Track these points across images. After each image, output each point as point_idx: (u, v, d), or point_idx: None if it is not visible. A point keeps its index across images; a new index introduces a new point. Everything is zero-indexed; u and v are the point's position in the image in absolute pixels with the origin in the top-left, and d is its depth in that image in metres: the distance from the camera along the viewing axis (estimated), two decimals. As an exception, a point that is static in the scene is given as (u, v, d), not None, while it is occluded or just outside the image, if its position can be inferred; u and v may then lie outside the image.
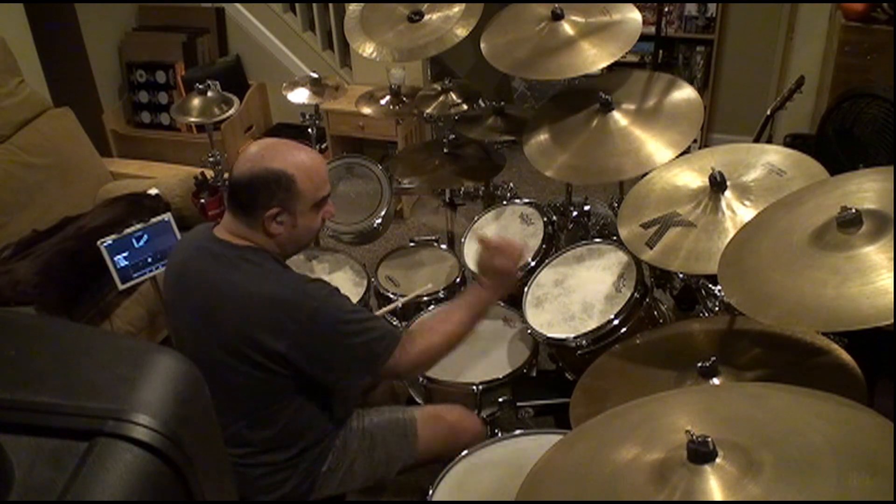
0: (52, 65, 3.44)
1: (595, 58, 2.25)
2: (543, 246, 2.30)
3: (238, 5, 4.20)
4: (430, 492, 1.66)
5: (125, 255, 2.32)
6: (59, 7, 3.49)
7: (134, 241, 2.33)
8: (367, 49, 2.60)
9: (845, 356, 1.60)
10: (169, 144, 4.10)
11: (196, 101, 2.69)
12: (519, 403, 2.12)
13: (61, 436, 0.55)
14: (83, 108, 3.38)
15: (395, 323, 2.39)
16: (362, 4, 2.70)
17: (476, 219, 2.53)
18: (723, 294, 1.91)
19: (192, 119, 2.73)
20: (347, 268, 2.56)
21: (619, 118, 2.24)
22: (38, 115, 3.04)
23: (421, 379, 2.07)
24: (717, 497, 1.01)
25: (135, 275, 2.36)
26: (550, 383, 2.24)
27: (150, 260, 2.37)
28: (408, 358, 1.68)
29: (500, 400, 2.06)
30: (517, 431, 1.80)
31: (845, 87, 2.89)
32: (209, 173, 2.92)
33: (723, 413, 1.21)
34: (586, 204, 2.65)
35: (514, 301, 2.25)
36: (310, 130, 2.81)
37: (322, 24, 4.13)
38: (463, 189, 2.81)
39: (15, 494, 0.52)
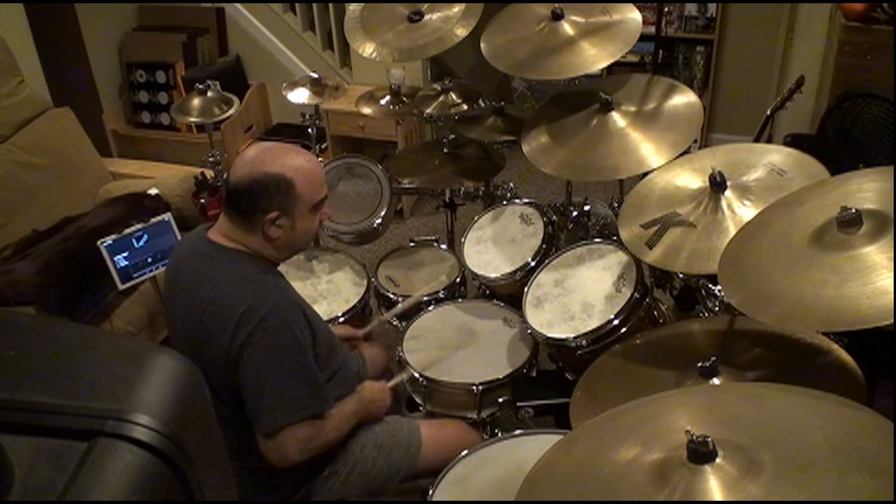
0: (52, 65, 3.44)
1: (595, 58, 2.25)
2: (543, 246, 2.30)
3: (238, 5, 4.20)
4: (430, 492, 1.66)
5: (125, 255, 2.32)
6: (59, 7, 3.49)
7: (134, 241, 2.33)
8: (367, 49, 2.60)
9: (845, 356, 1.60)
10: (169, 144, 4.11)
11: (196, 101, 2.69)
12: (519, 403, 2.12)
13: (61, 436, 0.55)
14: (83, 108, 3.38)
15: (395, 323, 2.40)
16: (362, 4, 2.70)
17: (476, 219, 2.53)
18: (723, 294, 1.90)
19: (192, 119, 2.73)
20: (347, 268, 2.56)
21: (618, 119, 2.24)
22: (38, 115, 3.04)
23: (421, 379, 2.07)
24: (717, 497, 1.01)
25: (135, 275, 2.36)
26: (550, 383, 2.25)
27: (150, 260, 2.37)
28: (320, 438, 1.66)
29: (500, 400, 2.06)
30: (517, 431, 1.80)
31: (845, 87, 2.89)
32: (209, 173, 2.92)
33: (723, 413, 1.21)
34: (586, 204, 2.64)
35: (514, 301, 2.25)
36: (310, 130, 2.81)
37: (322, 24, 4.12)
38: (463, 189, 2.80)
39: (15, 494, 0.52)
